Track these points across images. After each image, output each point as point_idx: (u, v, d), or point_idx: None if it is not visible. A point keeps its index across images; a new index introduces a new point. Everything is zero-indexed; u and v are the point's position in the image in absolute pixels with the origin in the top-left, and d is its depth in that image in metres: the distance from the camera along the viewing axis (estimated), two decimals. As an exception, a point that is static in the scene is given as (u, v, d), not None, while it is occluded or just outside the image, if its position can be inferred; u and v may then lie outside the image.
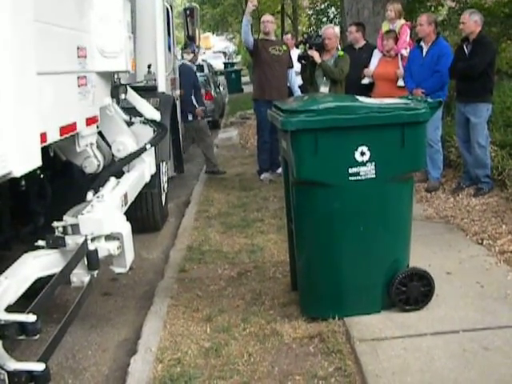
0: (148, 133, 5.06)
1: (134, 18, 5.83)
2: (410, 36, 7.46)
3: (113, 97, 4.77)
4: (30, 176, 3.15)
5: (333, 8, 19.43)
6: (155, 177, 5.60)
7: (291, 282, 4.23)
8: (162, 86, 6.49)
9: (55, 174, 4.61)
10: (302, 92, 8.04)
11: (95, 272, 3.51)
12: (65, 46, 3.80)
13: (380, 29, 7.80)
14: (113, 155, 4.79)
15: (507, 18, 11.30)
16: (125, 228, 3.71)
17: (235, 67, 30.09)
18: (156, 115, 5.25)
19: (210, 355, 3.43)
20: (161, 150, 5.62)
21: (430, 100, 3.87)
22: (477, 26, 6.31)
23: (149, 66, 6.17)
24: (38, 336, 2.54)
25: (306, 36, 7.35)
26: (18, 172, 2.86)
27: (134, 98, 5.21)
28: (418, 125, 3.59)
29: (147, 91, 6.05)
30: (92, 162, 4.71)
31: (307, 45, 7.10)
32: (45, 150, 3.35)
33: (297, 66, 8.24)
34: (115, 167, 4.14)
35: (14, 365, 2.47)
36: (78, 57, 4.02)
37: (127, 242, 3.67)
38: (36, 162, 3.07)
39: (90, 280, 3.48)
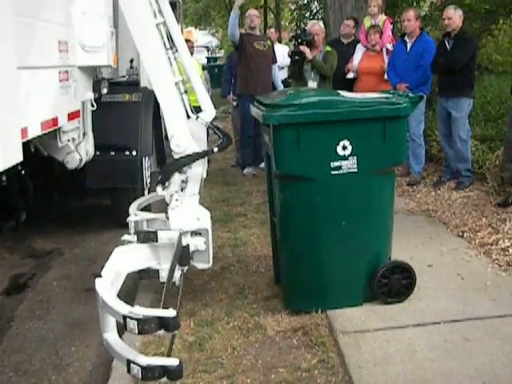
0: (202, 134, 4.60)
1: (116, 13, 5.79)
2: (391, 31, 7.54)
3: (94, 91, 4.74)
4: (11, 171, 3.13)
5: (316, 3, 19.41)
6: (138, 172, 5.59)
7: (274, 275, 4.25)
8: (145, 81, 6.46)
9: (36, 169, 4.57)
10: (284, 87, 8.06)
11: (185, 268, 3.52)
12: (46, 40, 3.78)
13: (362, 24, 7.85)
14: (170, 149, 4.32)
15: (487, 14, 11.41)
16: (209, 224, 3.69)
17: (218, 62, 29.98)
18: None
19: (194, 349, 3.43)
20: (144, 144, 5.61)
21: (411, 94, 3.91)
22: (461, 20, 6.38)
23: (131, 61, 6.14)
24: (176, 331, 2.58)
25: (298, 31, 7.32)
26: (-2, 167, 2.84)
27: None
28: (399, 119, 3.62)
29: (129, 86, 6.03)
30: (74, 158, 4.69)
31: (298, 40, 7.10)
32: (26, 146, 3.33)
33: (280, 61, 8.26)
34: (180, 163, 4.00)
35: (147, 360, 2.51)
36: (60, 51, 4.00)
37: (211, 238, 3.68)
38: (17, 157, 3.06)
39: (182, 275, 3.47)
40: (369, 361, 3.14)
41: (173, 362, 2.49)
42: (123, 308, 2.57)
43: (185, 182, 3.86)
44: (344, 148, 3.52)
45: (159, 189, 3.90)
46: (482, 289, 3.98)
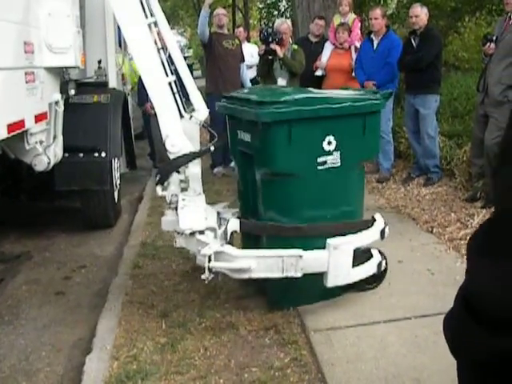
0: (196, 133, 4.44)
1: (83, 13, 5.73)
2: (360, 29, 7.62)
3: (62, 93, 4.69)
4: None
5: (284, 1, 19.49)
6: (107, 173, 5.54)
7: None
8: (113, 82, 6.41)
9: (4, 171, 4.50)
10: (252, 85, 8.06)
11: None
12: (10, 41, 3.72)
13: (330, 22, 7.91)
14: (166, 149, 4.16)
15: (454, 12, 11.60)
16: (216, 222, 3.75)
17: (187, 61, 29.82)
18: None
19: (166, 351, 3.41)
20: (113, 146, 5.55)
21: (381, 91, 3.99)
22: (427, 18, 6.47)
23: (99, 62, 6.09)
24: None
25: (269, 30, 7.31)
26: (-37, 171, 2.80)
27: None
28: (376, 114, 3.75)
29: (98, 87, 5.97)
30: (42, 160, 4.63)
31: (269, 39, 7.10)
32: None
33: (248, 60, 8.25)
34: (178, 163, 3.96)
35: None
36: (25, 52, 3.95)
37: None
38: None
39: None
40: (341, 358, 3.16)
41: None
42: None
43: (183, 181, 3.86)
44: (329, 143, 3.57)
45: (159, 189, 3.91)
46: (452, 283, 4.02)
